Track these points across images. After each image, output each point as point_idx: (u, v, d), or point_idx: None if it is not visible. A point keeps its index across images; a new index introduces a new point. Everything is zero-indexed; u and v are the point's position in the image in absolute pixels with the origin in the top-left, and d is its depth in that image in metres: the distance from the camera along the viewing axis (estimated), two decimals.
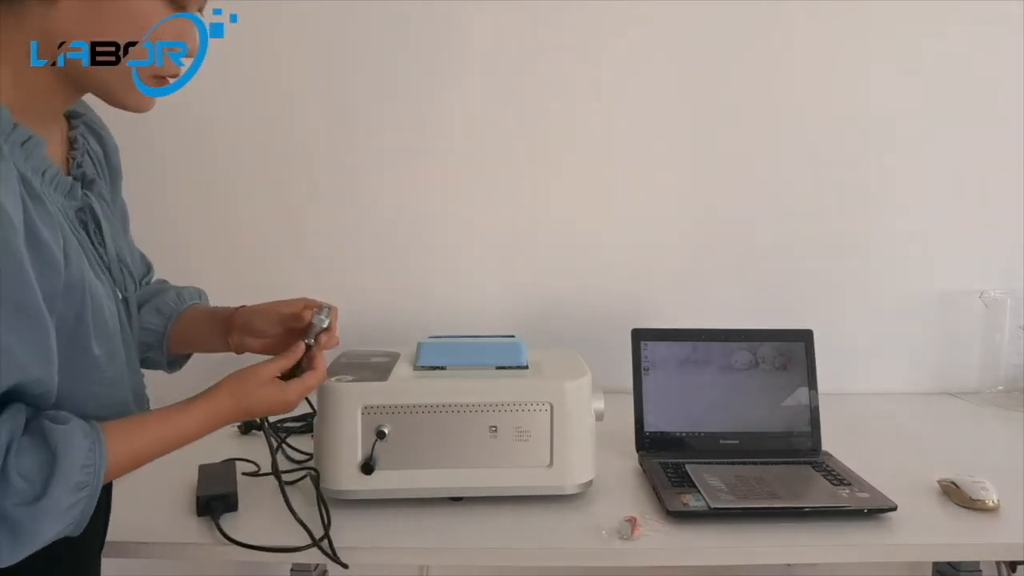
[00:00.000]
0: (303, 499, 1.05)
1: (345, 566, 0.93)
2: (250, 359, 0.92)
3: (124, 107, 0.78)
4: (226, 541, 0.95)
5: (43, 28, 0.71)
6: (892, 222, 1.70)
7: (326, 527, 0.97)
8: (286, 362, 0.89)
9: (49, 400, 0.71)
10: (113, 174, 0.92)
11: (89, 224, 0.81)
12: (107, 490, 0.86)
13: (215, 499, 1.02)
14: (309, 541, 0.94)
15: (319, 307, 0.95)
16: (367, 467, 1.01)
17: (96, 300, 0.75)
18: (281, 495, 0.96)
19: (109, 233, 0.84)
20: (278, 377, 0.88)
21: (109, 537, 0.91)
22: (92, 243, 0.80)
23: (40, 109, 0.75)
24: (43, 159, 0.73)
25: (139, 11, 0.73)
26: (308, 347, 0.91)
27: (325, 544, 0.94)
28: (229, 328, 0.99)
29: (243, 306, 1.00)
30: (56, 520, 0.67)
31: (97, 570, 0.89)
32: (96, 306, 0.75)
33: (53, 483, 0.66)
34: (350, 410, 1.03)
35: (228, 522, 1.00)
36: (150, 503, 1.06)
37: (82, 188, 0.81)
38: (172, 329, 1.00)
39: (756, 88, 1.67)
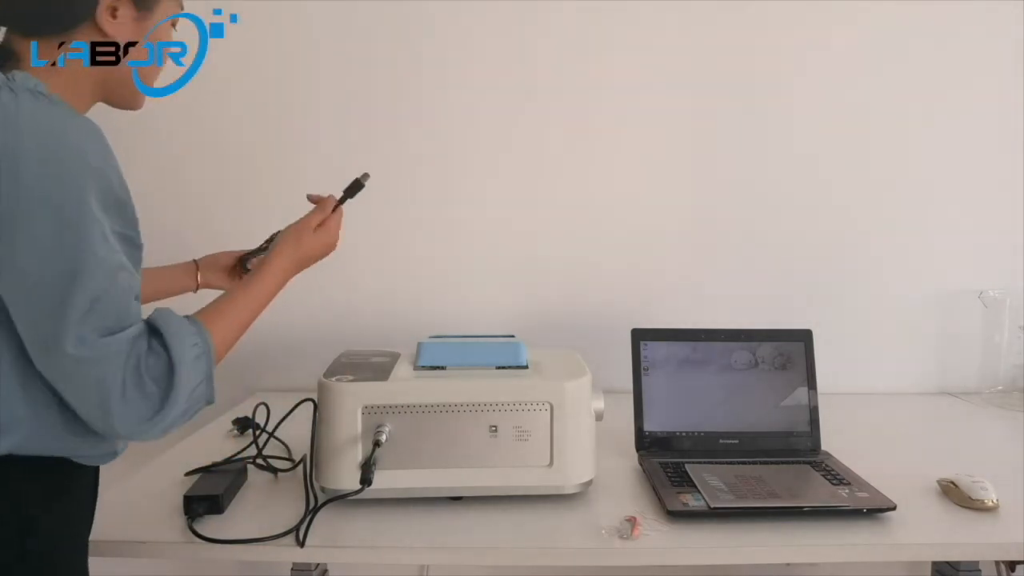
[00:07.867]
0: (296, 494, 1.07)
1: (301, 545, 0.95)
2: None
3: (131, 107, 0.89)
4: (195, 538, 0.95)
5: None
6: (892, 222, 1.71)
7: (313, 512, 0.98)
8: (321, 214, 1.05)
9: None
10: None
11: None
12: (94, 480, 0.88)
13: (198, 499, 1.01)
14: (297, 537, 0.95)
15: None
16: (365, 478, 0.99)
17: None
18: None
19: None
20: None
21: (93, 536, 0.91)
22: None
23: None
24: None
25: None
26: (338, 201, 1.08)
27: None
28: (195, 268, 1.23)
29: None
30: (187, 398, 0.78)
31: (84, 554, 0.89)
32: None
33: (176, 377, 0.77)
34: (350, 410, 1.03)
35: (224, 522, 1.00)
36: (140, 503, 1.07)
37: None
38: None
39: (757, 88, 1.67)
